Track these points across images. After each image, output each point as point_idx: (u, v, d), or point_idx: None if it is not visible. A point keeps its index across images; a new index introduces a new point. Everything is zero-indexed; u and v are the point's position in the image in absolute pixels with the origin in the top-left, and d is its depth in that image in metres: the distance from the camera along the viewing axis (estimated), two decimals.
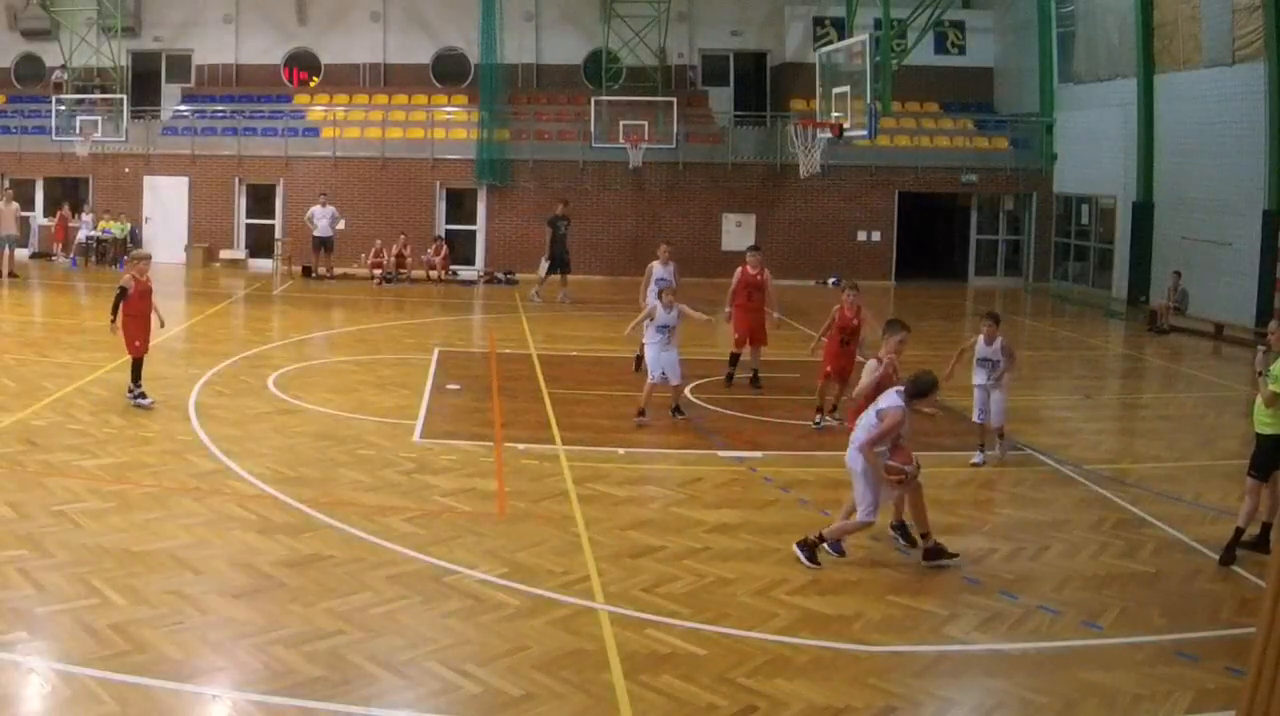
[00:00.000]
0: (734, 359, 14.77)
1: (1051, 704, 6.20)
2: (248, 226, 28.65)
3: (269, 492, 9.49)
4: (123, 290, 12.53)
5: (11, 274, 23.73)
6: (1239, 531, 8.59)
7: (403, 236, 26.51)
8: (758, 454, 11.30)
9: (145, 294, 12.70)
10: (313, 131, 28.57)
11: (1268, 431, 8.53)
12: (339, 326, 19.98)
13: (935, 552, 8.25)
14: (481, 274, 27.57)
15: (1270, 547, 8.48)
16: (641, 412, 12.44)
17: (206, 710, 5.92)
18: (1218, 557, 8.52)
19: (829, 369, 12.50)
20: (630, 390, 13.67)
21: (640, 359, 15.89)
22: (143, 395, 12.51)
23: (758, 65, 32.05)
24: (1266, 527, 8.71)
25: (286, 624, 6.86)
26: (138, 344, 12.61)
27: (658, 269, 15.34)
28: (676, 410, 12.65)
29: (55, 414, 11.95)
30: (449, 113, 29.18)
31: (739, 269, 14.68)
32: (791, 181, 26.66)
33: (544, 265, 23.75)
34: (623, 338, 16.80)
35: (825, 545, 8.29)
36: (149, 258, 13.21)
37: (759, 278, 14.46)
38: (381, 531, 8.61)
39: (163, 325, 13.09)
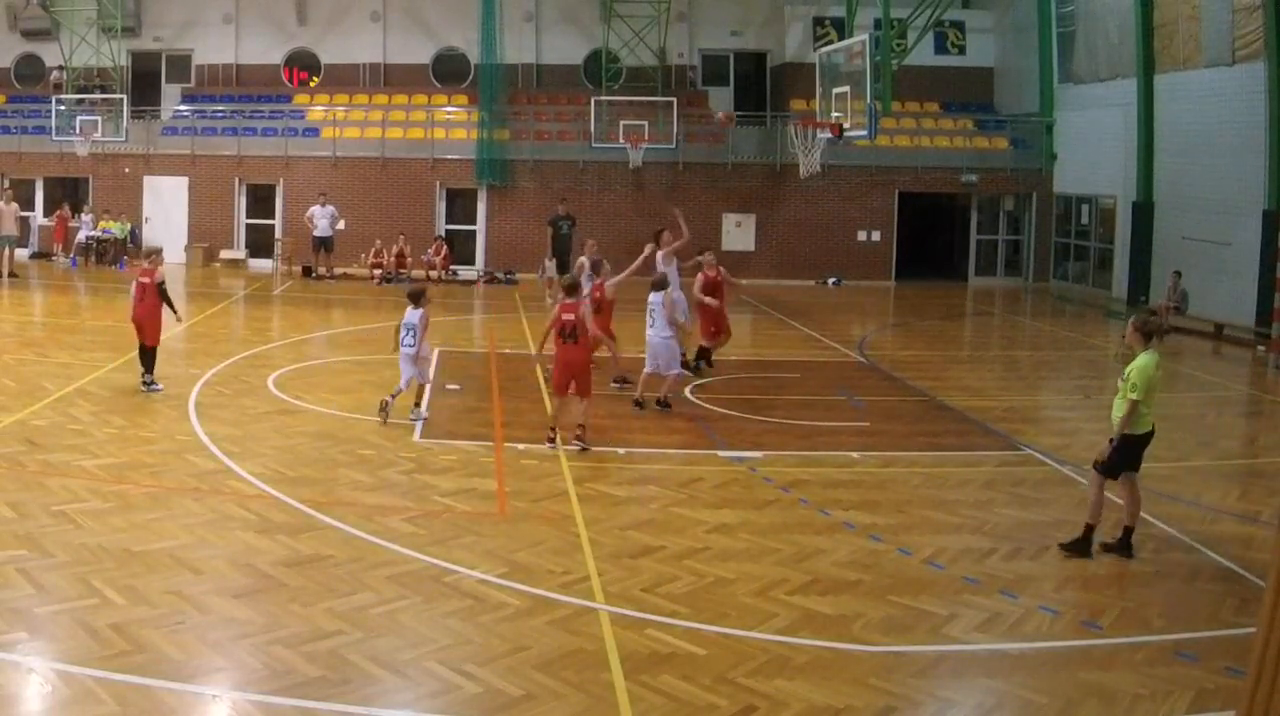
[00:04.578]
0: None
1: (1051, 704, 6.20)
2: (248, 226, 28.62)
3: (269, 492, 9.49)
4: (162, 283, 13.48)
5: (11, 274, 23.71)
6: (1089, 527, 8.54)
7: (402, 236, 26.49)
8: (758, 454, 11.28)
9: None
10: (313, 131, 28.56)
11: (1127, 430, 8.43)
12: (339, 326, 19.96)
13: None
14: (481, 274, 27.56)
15: (1129, 552, 8.50)
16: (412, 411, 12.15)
17: (206, 710, 5.92)
18: (1060, 544, 8.59)
19: None
20: (631, 391, 13.65)
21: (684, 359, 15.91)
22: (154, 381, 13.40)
23: (758, 65, 32.02)
24: (1128, 531, 8.59)
25: (286, 624, 6.86)
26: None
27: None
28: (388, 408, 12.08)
29: (55, 414, 11.94)
30: (449, 113, 29.17)
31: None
32: (791, 181, 26.63)
33: (549, 266, 23.70)
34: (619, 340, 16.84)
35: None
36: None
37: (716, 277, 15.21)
38: (381, 531, 8.61)
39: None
